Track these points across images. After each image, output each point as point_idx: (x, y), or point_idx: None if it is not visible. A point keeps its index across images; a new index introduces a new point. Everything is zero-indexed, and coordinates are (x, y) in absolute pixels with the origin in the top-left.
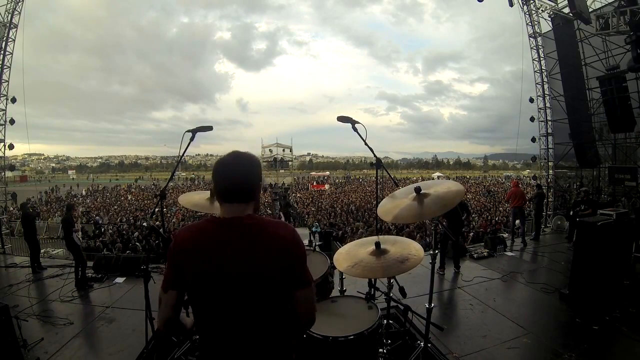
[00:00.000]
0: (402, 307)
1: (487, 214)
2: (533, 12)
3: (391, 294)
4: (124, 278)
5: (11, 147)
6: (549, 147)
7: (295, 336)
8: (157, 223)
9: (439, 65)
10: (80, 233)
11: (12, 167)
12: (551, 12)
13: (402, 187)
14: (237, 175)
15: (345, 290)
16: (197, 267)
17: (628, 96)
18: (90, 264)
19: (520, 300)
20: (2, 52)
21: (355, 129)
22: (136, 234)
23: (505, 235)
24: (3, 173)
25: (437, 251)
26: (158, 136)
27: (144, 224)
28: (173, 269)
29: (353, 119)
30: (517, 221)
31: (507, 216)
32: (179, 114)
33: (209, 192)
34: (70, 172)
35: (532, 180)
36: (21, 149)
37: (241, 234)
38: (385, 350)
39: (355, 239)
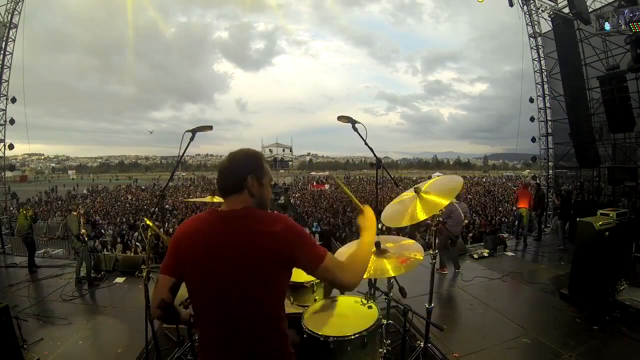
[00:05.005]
0: (402, 307)
1: (487, 214)
2: (533, 12)
3: (391, 294)
4: (124, 278)
5: (11, 147)
6: (549, 147)
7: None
8: (157, 223)
9: (438, 65)
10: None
11: (12, 167)
12: (551, 12)
13: (402, 186)
14: (225, 169)
15: None
16: (194, 254)
17: (628, 96)
18: None
19: (520, 300)
20: (2, 52)
21: (355, 129)
22: (136, 234)
23: (506, 235)
24: (3, 173)
25: (436, 251)
26: (157, 136)
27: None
28: (172, 254)
29: (353, 118)
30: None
31: (509, 216)
32: (178, 114)
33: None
34: (70, 172)
35: (532, 180)
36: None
37: (233, 226)
38: (385, 350)
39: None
